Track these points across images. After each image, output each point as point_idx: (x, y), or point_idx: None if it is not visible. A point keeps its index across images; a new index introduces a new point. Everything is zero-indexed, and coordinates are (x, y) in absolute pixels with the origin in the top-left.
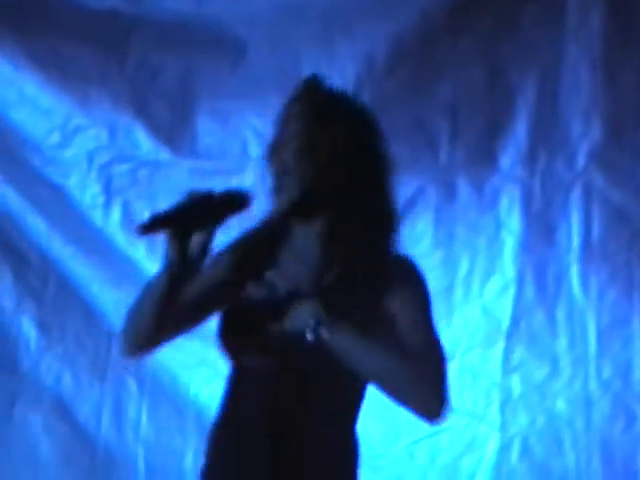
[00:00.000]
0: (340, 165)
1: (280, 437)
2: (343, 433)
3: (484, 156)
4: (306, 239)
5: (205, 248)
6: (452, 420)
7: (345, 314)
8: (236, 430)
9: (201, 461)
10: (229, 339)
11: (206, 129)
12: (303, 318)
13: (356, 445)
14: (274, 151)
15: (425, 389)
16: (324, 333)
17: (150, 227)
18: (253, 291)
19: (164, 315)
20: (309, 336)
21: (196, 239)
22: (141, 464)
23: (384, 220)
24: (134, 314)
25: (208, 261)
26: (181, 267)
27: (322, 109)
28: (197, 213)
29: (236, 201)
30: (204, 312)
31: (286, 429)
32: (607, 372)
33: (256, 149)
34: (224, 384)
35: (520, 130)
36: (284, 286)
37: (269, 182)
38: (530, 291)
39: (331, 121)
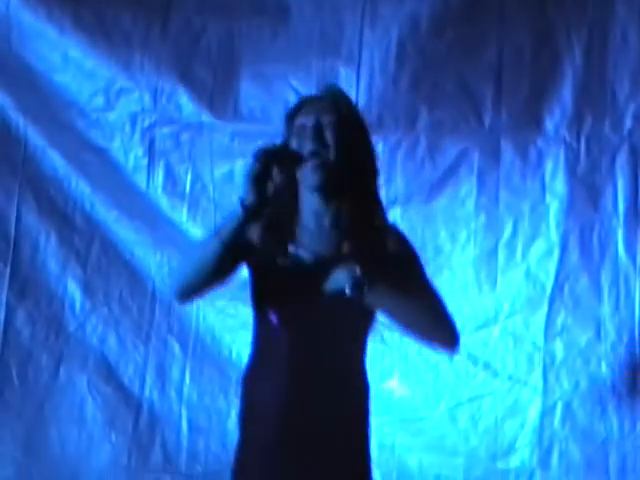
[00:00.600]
0: (352, 162)
1: (302, 380)
2: (358, 370)
3: (529, 119)
4: (321, 218)
5: (269, 195)
6: (494, 384)
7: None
8: (264, 378)
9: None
10: (271, 304)
11: (249, 92)
12: (344, 278)
13: (367, 381)
14: (303, 132)
15: (443, 326)
16: (365, 290)
17: (264, 157)
18: (281, 261)
19: (225, 258)
20: (349, 292)
21: (270, 184)
22: (184, 425)
23: (377, 202)
24: (197, 258)
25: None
26: (257, 210)
27: (355, 115)
28: (283, 160)
29: (296, 157)
30: (234, 266)
31: (309, 372)
32: None
33: None
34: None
35: (566, 93)
36: (307, 257)
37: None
38: (574, 255)
39: (355, 126)
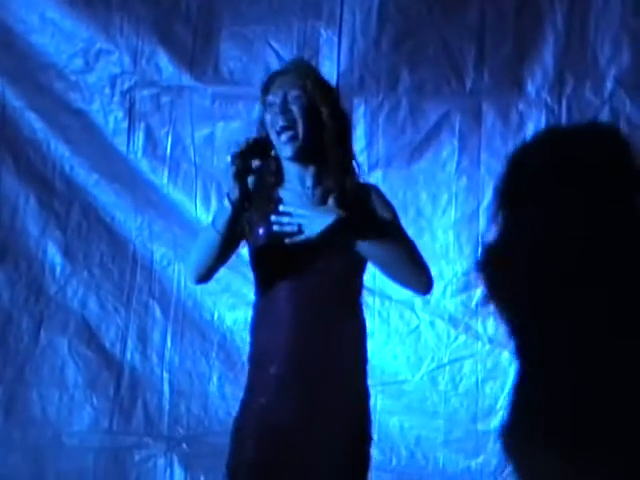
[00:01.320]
0: (320, 130)
1: (302, 326)
2: (355, 313)
3: (510, 82)
4: (303, 180)
5: (251, 189)
6: (475, 346)
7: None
8: (269, 327)
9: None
10: (262, 256)
11: (229, 54)
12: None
13: (365, 323)
14: (275, 107)
15: (419, 270)
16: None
17: (240, 157)
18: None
19: (225, 245)
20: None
21: (250, 179)
22: (166, 388)
23: (351, 162)
24: (201, 247)
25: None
26: (242, 203)
27: (320, 86)
28: (255, 154)
29: (266, 148)
30: (235, 246)
31: (307, 319)
32: None
33: None
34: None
35: (548, 56)
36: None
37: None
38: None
39: (326, 96)
